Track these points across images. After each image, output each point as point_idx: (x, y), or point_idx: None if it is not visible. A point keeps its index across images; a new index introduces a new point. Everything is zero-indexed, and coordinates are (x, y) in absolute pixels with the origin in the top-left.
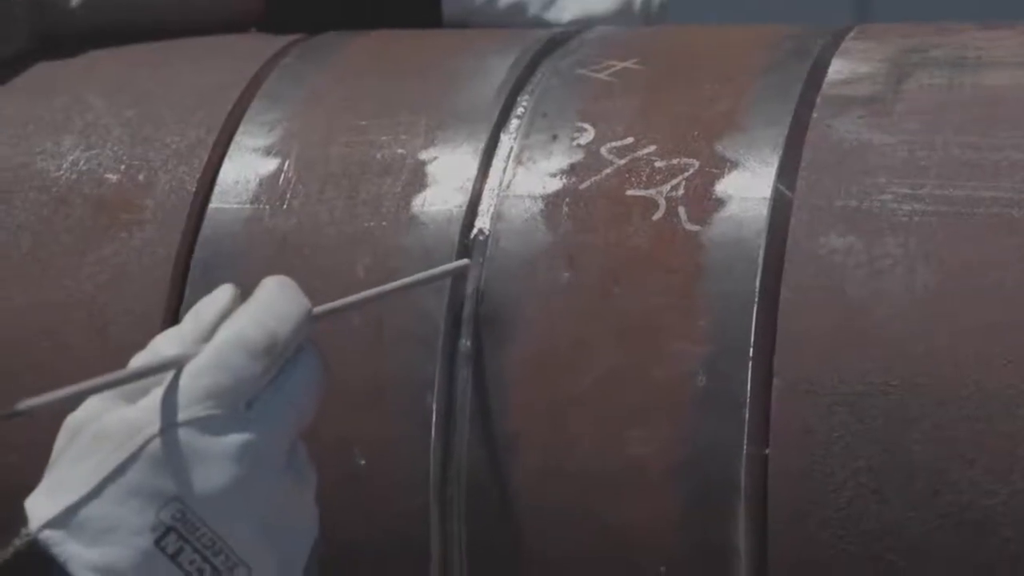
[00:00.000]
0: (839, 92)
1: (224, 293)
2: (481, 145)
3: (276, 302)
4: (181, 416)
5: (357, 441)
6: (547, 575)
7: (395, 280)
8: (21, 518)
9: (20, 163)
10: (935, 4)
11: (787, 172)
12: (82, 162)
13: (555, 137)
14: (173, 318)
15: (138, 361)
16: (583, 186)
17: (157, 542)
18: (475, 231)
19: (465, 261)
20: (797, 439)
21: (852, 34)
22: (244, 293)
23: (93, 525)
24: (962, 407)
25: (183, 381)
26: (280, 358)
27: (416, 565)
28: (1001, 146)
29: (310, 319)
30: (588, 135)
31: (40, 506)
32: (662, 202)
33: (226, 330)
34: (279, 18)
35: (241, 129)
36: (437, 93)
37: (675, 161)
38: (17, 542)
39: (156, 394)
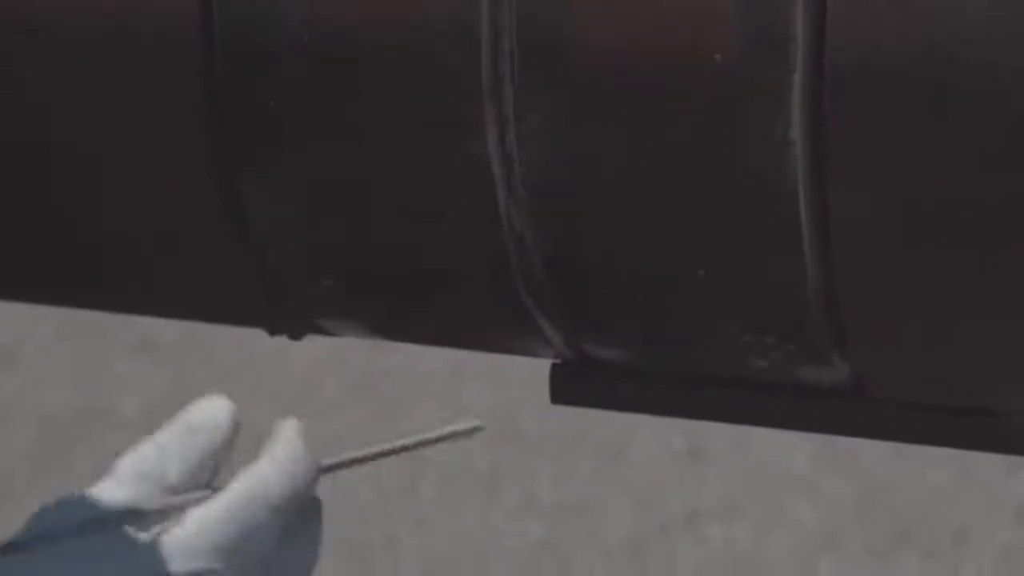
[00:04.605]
0: None
1: (224, 416)
2: None
3: (297, 458)
4: (183, 568)
5: None
6: (598, 63)
7: None
8: None
9: None
10: None
11: None
12: None
13: None
14: None
15: (129, 473)
16: None
17: None
18: None
19: (477, 422)
20: None
21: None
22: None
23: None
24: None
25: (189, 529)
26: (292, 516)
27: (465, 53)
28: None
29: (318, 474)
30: None
31: None
32: None
33: (247, 481)
34: None
35: None
36: None
37: None
38: None
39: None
